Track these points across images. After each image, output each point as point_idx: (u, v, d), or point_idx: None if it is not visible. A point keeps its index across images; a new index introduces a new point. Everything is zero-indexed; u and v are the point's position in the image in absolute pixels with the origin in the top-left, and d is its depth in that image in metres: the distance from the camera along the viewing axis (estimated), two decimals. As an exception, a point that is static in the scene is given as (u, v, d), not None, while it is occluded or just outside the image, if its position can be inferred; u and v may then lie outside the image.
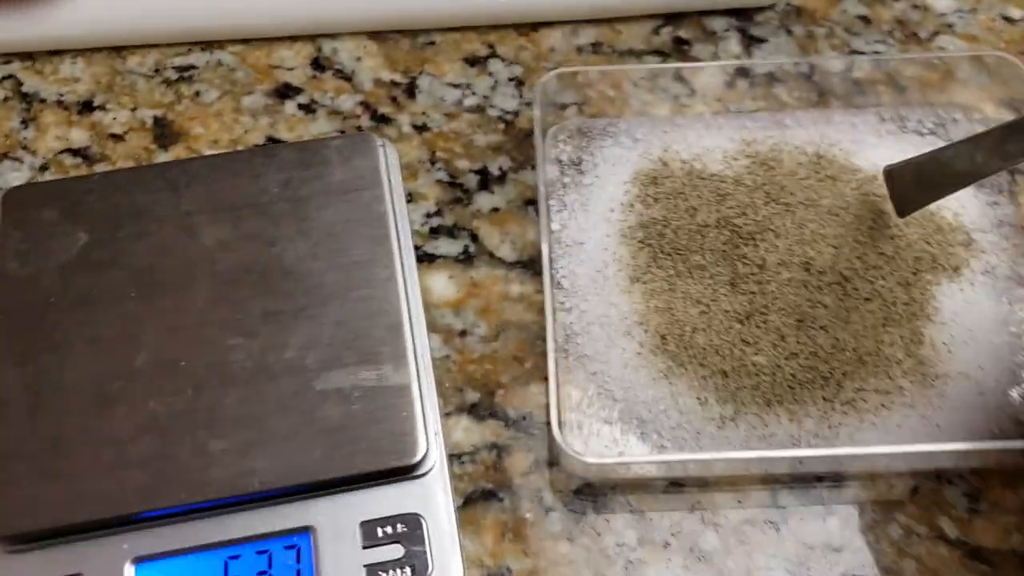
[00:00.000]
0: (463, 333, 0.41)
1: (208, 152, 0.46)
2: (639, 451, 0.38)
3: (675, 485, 0.38)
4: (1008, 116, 0.45)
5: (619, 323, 0.40)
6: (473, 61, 0.49)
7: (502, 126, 0.47)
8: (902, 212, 0.40)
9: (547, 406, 0.38)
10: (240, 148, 0.46)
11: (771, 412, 0.38)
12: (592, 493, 0.38)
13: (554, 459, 0.38)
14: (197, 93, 0.48)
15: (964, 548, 0.37)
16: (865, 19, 0.49)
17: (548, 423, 0.38)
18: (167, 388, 0.37)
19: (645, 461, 0.37)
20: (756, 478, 0.38)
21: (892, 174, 0.40)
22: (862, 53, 0.48)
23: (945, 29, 0.49)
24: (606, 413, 0.38)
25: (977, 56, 0.46)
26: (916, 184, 0.39)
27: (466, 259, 0.43)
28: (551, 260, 0.41)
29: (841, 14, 0.49)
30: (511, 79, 0.48)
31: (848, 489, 0.38)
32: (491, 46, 0.49)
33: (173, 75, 0.49)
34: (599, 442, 0.38)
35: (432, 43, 0.49)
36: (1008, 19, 0.50)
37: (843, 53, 0.48)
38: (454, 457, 0.39)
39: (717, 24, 0.49)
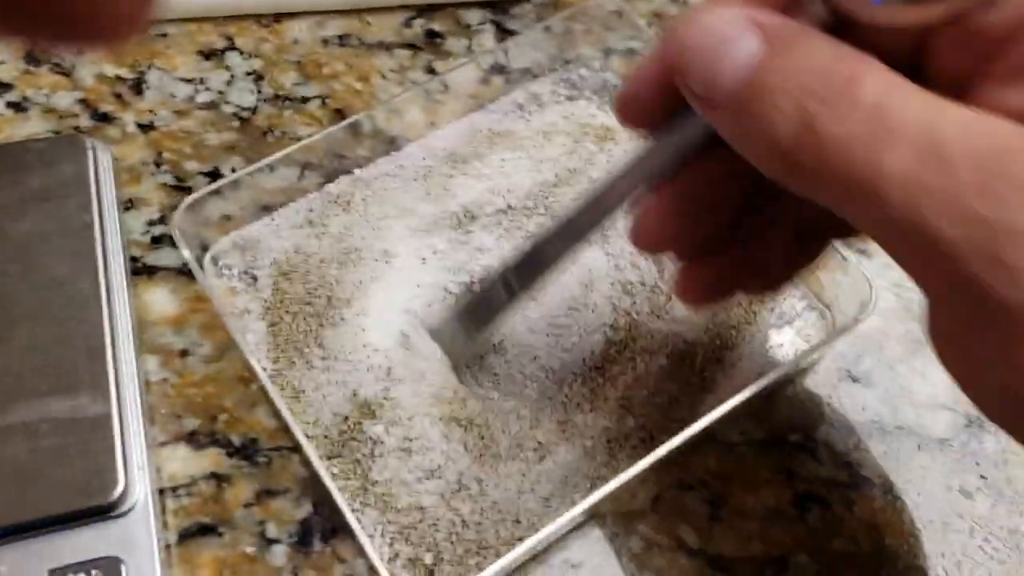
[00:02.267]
0: (184, 353, 0.38)
1: (-102, 156, 0.41)
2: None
3: (408, 508, 0.36)
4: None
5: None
6: (209, 54, 0.45)
7: (237, 123, 0.43)
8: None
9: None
10: (-62, 151, 0.41)
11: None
12: (320, 523, 0.35)
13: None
14: None
15: (704, 556, 0.36)
16: (618, 13, 0.48)
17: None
18: None
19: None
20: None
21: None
22: (615, 51, 0.47)
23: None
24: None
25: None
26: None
27: (191, 271, 0.40)
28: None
29: (597, 7, 0.48)
30: (249, 73, 0.45)
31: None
32: (229, 38, 0.46)
33: None
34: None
35: (164, 35, 0.45)
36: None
37: (598, 50, 0.47)
38: (169, 490, 0.36)
39: (472, 17, 0.47)
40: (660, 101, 0.27)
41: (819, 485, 0.38)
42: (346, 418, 0.36)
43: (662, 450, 0.35)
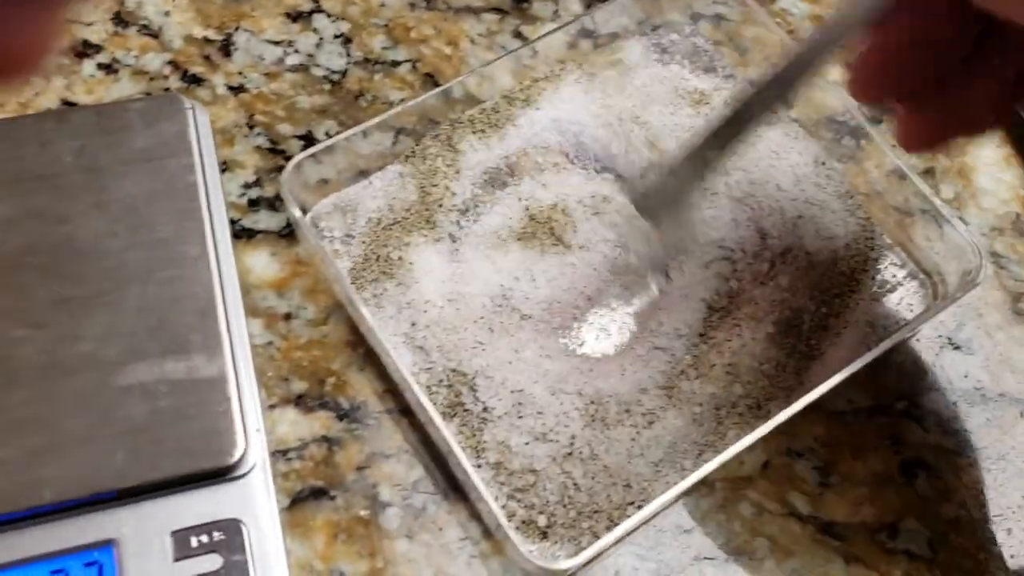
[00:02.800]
0: (288, 316, 0.38)
1: (-9, 118, 0.41)
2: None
3: (521, 473, 0.36)
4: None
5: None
6: (296, 16, 0.45)
7: (328, 87, 0.43)
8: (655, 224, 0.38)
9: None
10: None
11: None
12: (432, 485, 0.35)
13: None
14: (-24, 49, 0.42)
15: (816, 523, 0.36)
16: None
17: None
18: (-64, 388, 0.32)
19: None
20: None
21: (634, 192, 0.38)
22: (703, 16, 0.46)
23: (791, -12, 0.48)
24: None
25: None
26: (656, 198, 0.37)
27: (290, 234, 0.39)
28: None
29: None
30: (337, 36, 0.44)
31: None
32: (315, 0, 0.45)
33: (-52, 28, 0.43)
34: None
35: (250, -4, 0.45)
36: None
37: (685, 15, 0.46)
38: (279, 454, 0.35)
39: (558, -20, 0.47)
40: None
41: (926, 451, 0.38)
42: (452, 384, 0.36)
43: (772, 423, 0.34)
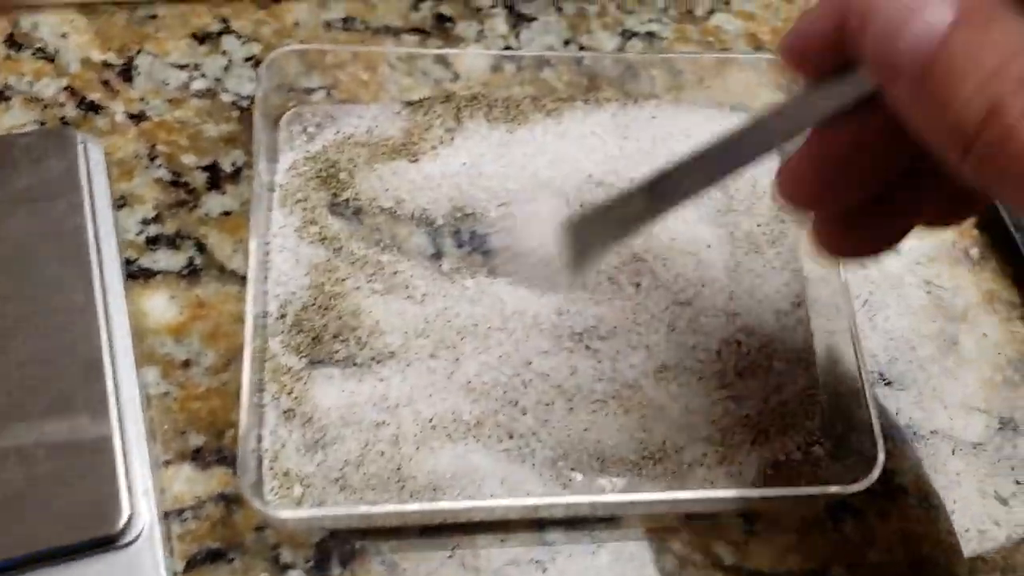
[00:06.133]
0: (186, 364, 0.36)
1: None
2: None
3: (430, 529, 0.34)
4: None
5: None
6: (203, 38, 0.42)
7: (236, 114, 0.41)
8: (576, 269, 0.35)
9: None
10: (-89, 144, 0.38)
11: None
12: (338, 546, 0.33)
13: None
14: None
15: (740, 573, 0.35)
16: (639, -5, 0.46)
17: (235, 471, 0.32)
18: None
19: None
20: (521, 518, 0.34)
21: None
22: (635, 34, 0.44)
23: (722, 6, 0.46)
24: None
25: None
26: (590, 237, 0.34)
27: (191, 274, 0.37)
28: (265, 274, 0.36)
29: (613, -11, 0.46)
30: (248, 59, 0.42)
31: (621, 520, 0.35)
32: (225, 20, 0.43)
33: None
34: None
35: (154, 16, 0.42)
36: (785, -4, 0.48)
37: (616, 33, 0.44)
38: (174, 514, 0.33)
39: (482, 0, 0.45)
40: (829, 54, 0.24)
41: (853, 494, 0.37)
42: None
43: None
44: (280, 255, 0.36)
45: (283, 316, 0.35)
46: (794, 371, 0.37)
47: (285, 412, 0.34)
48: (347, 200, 0.38)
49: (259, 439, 0.33)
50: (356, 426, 0.34)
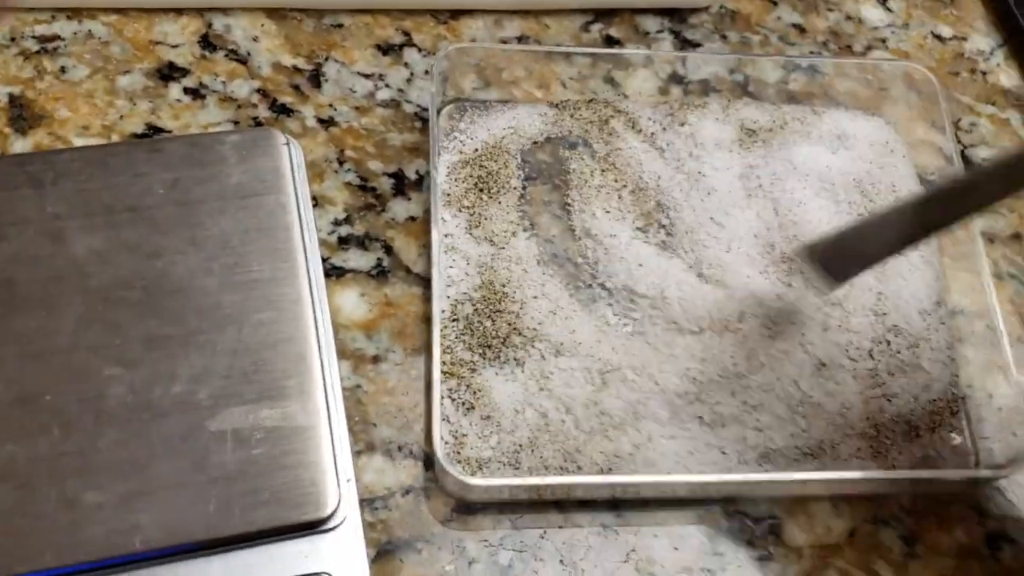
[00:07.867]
0: (376, 359, 0.37)
1: (76, 140, 0.40)
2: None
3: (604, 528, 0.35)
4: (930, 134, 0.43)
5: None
6: (386, 49, 0.44)
7: (419, 124, 0.42)
8: (835, 283, 0.37)
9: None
10: (115, 137, 0.40)
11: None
12: (519, 539, 0.34)
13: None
14: (63, 69, 0.42)
15: (901, 595, 0.36)
16: (799, 28, 0.47)
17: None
18: (28, 427, 0.31)
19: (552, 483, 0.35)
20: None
21: (813, 251, 0.37)
22: (797, 67, 0.46)
23: (878, 44, 0.48)
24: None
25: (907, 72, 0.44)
26: (841, 258, 0.36)
27: (379, 274, 0.39)
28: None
29: (776, 21, 0.47)
30: (428, 71, 0.44)
31: (787, 537, 0.36)
32: (407, 33, 0.44)
33: (33, 46, 0.42)
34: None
35: (339, 25, 0.44)
36: (938, 37, 0.48)
37: (778, 66, 0.45)
38: (365, 503, 0.35)
39: (650, 24, 0.46)
40: None
41: (1011, 524, 0.37)
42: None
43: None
44: (449, 255, 0.38)
45: (456, 317, 0.37)
46: (940, 368, 0.39)
47: (463, 404, 0.35)
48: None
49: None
50: (526, 415, 0.35)
